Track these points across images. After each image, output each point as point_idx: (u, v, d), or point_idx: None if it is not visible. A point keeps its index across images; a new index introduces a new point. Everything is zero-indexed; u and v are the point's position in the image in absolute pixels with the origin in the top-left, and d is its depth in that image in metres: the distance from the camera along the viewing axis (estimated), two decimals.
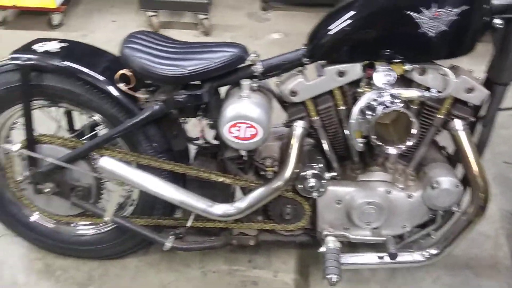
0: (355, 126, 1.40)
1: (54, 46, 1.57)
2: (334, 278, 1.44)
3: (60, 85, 1.55)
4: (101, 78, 1.53)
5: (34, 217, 1.85)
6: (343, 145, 1.58)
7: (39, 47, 1.56)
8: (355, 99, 1.48)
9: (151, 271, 1.94)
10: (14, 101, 1.60)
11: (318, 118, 1.53)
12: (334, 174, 1.56)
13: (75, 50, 1.59)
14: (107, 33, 3.47)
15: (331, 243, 1.56)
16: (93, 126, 1.80)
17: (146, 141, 1.61)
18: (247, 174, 1.68)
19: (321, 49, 1.43)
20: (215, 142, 1.70)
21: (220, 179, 1.61)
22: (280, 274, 1.93)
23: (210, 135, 1.70)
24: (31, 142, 1.60)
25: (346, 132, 1.53)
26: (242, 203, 1.54)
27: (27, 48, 1.56)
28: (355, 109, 1.38)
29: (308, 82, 1.47)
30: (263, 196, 1.53)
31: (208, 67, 1.46)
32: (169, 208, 1.76)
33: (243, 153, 1.63)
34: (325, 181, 1.53)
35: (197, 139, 1.71)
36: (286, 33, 3.50)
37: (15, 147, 1.59)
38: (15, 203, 1.84)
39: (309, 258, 1.98)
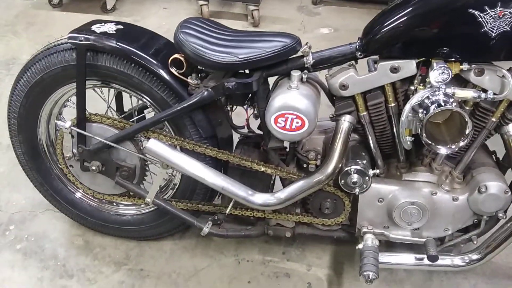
0: (406, 123, 1.38)
1: (111, 28, 1.61)
2: (371, 275, 1.43)
3: (114, 66, 1.58)
4: (155, 61, 1.56)
5: (79, 194, 1.90)
6: (390, 142, 1.57)
7: (96, 28, 1.60)
8: (406, 96, 1.47)
9: (186, 255, 1.97)
10: (68, 79, 1.65)
11: (366, 113, 1.52)
12: (378, 171, 1.55)
13: (130, 33, 1.63)
14: (158, 19, 3.54)
15: (370, 240, 1.54)
16: (141, 109, 1.85)
17: (192, 126, 1.63)
18: (288, 166, 1.68)
19: (376, 44, 1.42)
20: (259, 132, 1.71)
21: (262, 168, 1.62)
22: (313, 268, 1.93)
23: (254, 125, 1.72)
24: (82, 120, 1.65)
25: (394, 129, 1.52)
26: (283, 194, 1.55)
27: (85, 29, 1.61)
28: (407, 107, 1.36)
29: (360, 76, 1.46)
30: (304, 188, 1.53)
31: (260, 56, 1.46)
32: (208, 194, 1.78)
33: (286, 144, 1.63)
34: (368, 177, 1.52)
35: (242, 127, 1.72)
36: (335, 28, 3.49)
37: (67, 124, 1.64)
38: (60, 179, 1.90)
39: (344, 254, 1.97)
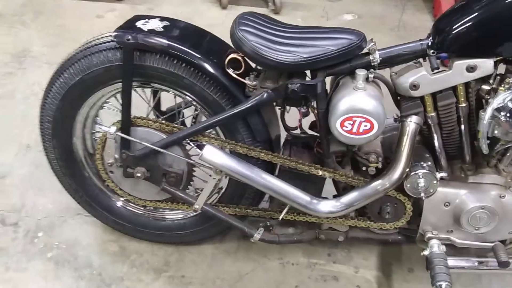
0: (486, 126, 1.31)
1: (157, 25, 1.49)
2: (444, 285, 1.37)
3: (163, 67, 1.47)
4: (210, 62, 1.45)
5: (120, 202, 1.80)
6: (457, 143, 1.50)
7: (142, 25, 1.49)
8: (478, 96, 1.40)
9: (228, 259, 1.90)
10: (110, 80, 1.54)
11: (435, 114, 1.44)
12: (444, 174, 1.48)
13: (179, 30, 1.51)
14: (172, 7, 3.39)
15: (436, 247, 1.49)
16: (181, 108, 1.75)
17: (245, 129, 1.54)
18: (344, 168, 1.60)
19: (452, 42, 1.33)
20: (312, 132, 1.63)
21: (320, 172, 1.54)
22: (361, 270, 1.88)
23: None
24: (128, 125, 1.54)
25: (462, 130, 1.45)
26: (348, 200, 1.48)
27: (129, 26, 1.48)
28: (489, 110, 1.29)
29: (433, 76, 1.38)
30: (370, 194, 1.46)
31: (326, 55, 1.37)
32: (257, 198, 1.70)
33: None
34: (436, 181, 1.45)
35: (295, 128, 1.63)
36: (359, 14, 3.37)
37: (112, 129, 1.52)
38: (97, 185, 1.79)
39: (391, 254, 1.92)
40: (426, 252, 1.50)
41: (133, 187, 1.69)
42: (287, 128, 1.62)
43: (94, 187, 1.79)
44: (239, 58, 1.41)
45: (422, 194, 1.47)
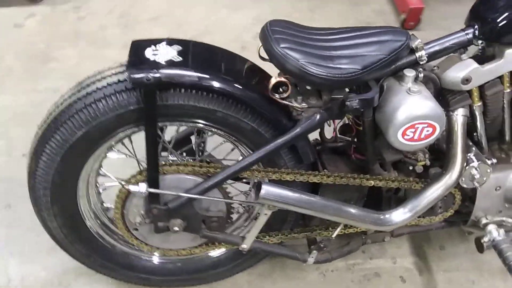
0: None
1: (170, 52, 1.23)
2: None
3: (191, 103, 1.23)
4: (249, 89, 1.24)
5: (144, 257, 1.56)
6: (498, 127, 1.47)
7: (153, 56, 1.21)
8: None
9: (267, 283, 1.76)
10: (122, 127, 1.27)
11: (481, 103, 1.39)
12: (494, 160, 1.46)
13: (198, 54, 1.26)
14: (105, 1, 2.90)
15: (495, 231, 1.48)
16: (185, 137, 1.52)
17: (288, 152, 1.37)
18: (386, 171, 1.51)
19: (502, 30, 1.26)
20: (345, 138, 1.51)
21: (372, 182, 1.43)
22: (398, 260, 1.85)
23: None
24: (156, 176, 1.29)
25: (505, 115, 1.43)
26: (416, 205, 1.39)
27: (139, 60, 1.20)
28: None
29: (484, 67, 1.31)
30: (437, 195, 1.39)
31: (381, 63, 1.23)
32: (299, 219, 1.56)
33: None
34: (489, 170, 1.42)
35: (332, 139, 1.49)
36: None
37: (142, 187, 1.26)
38: (112, 245, 1.53)
39: (420, 237, 1.91)
40: (486, 238, 1.49)
41: (163, 240, 1.46)
42: (325, 141, 1.48)
43: (110, 247, 1.53)
44: (286, 80, 1.21)
45: (477, 184, 1.44)
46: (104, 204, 1.52)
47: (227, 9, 2.92)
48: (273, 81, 1.21)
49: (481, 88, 1.37)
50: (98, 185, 1.46)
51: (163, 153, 1.51)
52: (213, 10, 2.93)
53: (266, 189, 1.25)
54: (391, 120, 1.28)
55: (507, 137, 1.49)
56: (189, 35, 2.71)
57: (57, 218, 1.40)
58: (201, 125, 1.31)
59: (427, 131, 1.30)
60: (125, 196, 1.35)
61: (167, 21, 2.73)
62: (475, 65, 1.31)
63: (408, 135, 1.29)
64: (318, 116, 1.26)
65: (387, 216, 1.38)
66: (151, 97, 1.18)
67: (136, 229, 1.42)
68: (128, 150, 1.41)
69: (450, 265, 1.84)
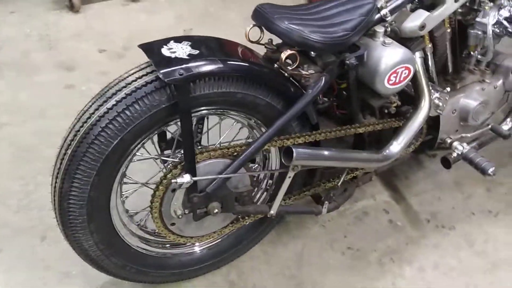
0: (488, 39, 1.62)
1: (186, 48, 1.30)
2: (491, 170, 1.71)
3: (216, 90, 1.32)
4: (262, 66, 1.36)
5: (173, 252, 1.60)
6: (443, 62, 1.79)
7: (172, 53, 1.27)
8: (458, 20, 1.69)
9: (280, 248, 1.91)
10: (152, 128, 1.31)
11: (431, 45, 1.69)
12: (448, 89, 1.77)
13: (208, 46, 1.35)
14: (15, 26, 2.69)
15: (460, 146, 1.81)
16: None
17: (295, 119, 1.52)
18: (365, 118, 1.75)
19: None
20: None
21: (363, 129, 1.65)
22: (377, 197, 2.14)
23: None
24: (193, 165, 1.35)
25: (448, 50, 1.75)
26: (403, 138, 1.64)
27: (163, 59, 1.25)
28: (489, 28, 1.59)
29: (434, 13, 1.59)
30: (417, 127, 1.65)
31: (364, 23, 1.44)
32: (308, 175, 1.72)
33: None
34: (447, 98, 1.74)
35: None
36: None
37: (186, 178, 1.32)
38: (144, 249, 1.55)
39: (385, 174, 2.19)
40: (454, 154, 1.81)
41: (197, 228, 1.53)
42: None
43: (142, 253, 1.55)
44: (295, 52, 1.36)
45: (440, 111, 1.75)
46: (129, 211, 1.53)
47: (146, 13, 2.93)
48: (284, 55, 1.36)
49: (429, 32, 1.66)
50: (122, 194, 1.47)
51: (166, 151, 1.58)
52: (132, 17, 2.91)
53: (297, 151, 1.39)
54: (377, 71, 1.51)
55: (450, 69, 1.82)
56: (120, 44, 2.70)
57: (94, 235, 1.39)
58: (220, 111, 1.41)
59: (405, 73, 1.55)
60: (163, 194, 1.39)
61: (90, 35, 2.67)
62: (426, 13, 1.59)
63: (392, 80, 1.53)
64: (323, 79, 1.44)
65: (387, 151, 1.62)
66: (185, 90, 1.25)
67: (173, 224, 1.47)
68: (147, 151, 1.45)
69: (417, 189, 2.17)
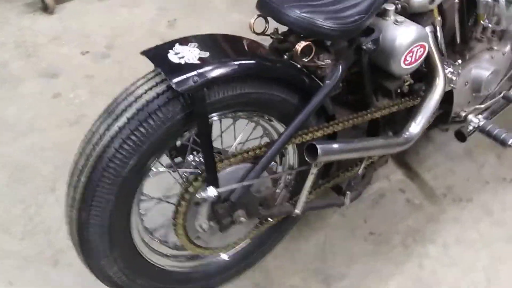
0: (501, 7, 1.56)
1: (194, 51, 1.20)
2: (511, 140, 1.68)
3: (231, 93, 1.23)
4: (276, 63, 1.28)
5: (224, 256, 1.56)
6: (452, 34, 1.72)
7: (181, 59, 1.17)
8: None
9: (302, 243, 1.85)
10: (170, 140, 1.22)
11: (439, 18, 1.61)
12: (459, 61, 1.71)
13: (217, 46, 1.25)
14: None
15: (475, 119, 1.76)
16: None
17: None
18: (379, 101, 1.68)
19: None
20: None
21: (380, 113, 1.58)
22: (391, 177, 2.09)
23: None
24: (215, 175, 1.27)
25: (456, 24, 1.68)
26: (422, 117, 1.57)
27: (173, 67, 1.15)
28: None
29: None
30: (434, 105, 1.59)
31: (375, 3, 1.36)
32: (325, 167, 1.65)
33: None
34: (460, 70, 1.68)
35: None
36: None
37: (211, 192, 1.24)
38: (167, 266, 1.48)
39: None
40: (470, 127, 1.76)
41: (222, 237, 1.45)
42: None
43: (166, 270, 1.47)
44: (310, 43, 1.27)
45: (453, 85, 1.69)
46: (149, 229, 1.45)
47: (125, 7, 2.77)
48: (299, 47, 1.27)
49: (438, 4, 1.59)
50: (140, 212, 1.38)
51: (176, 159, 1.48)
52: (111, 13, 2.75)
53: (321, 148, 1.32)
54: (393, 52, 1.43)
55: (458, 40, 1.76)
56: (102, 44, 2.55)
57: (118, 261, 1.31)
58: (233, 113, 1.32)
59: (420, 51, 1.48)
60: (185, 209, 1.30)
61: (69, 36, 2.51)
62: None
63: (408, 60, 1.46)
64: (340, 67, 1.36)
65: (407, 133, 1.56)
66: (201, 98, 1.15)
67: (198, 237, 1.39)
68: (160, 163, 1.35)
69: (429, 164, 2.13)
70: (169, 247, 1.53)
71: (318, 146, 1.32)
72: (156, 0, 2.82)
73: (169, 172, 1.40)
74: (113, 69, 2.36)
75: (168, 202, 1.39)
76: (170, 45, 1.22)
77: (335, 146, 1.37)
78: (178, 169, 1.35)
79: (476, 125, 1.75)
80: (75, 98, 2.28)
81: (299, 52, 1.27)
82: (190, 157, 1.41)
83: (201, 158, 1.40)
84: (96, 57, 2.46)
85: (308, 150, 1.35)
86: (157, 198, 1.38)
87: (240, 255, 1.65)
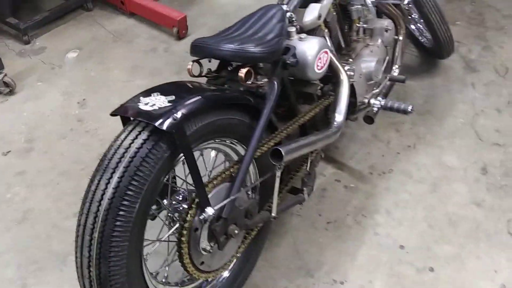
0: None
1: (160, 98, 1.37)
2: (410, 107, 2.09)
3: (200, 124, 1.41)
4: (229, 91, 1.51)
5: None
6: (337, 42, 2.12)
7: (153, 106, 1.33)
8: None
9: (308, 235, 2.04)
10: (161, 177, 1.36)
11: (326, 30, 2.00)
12: (351, 60, 2.10)
13: (175, 90, 1.43)
14: None
15: (377, 101, 2.16)
16: None
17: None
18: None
19: None
20: None
21: (311, 114, 1.88)
22: (325, 172, 2.39)
23: None
24: (207, 198, 1.43)
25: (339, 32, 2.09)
26: (341, 108, 1.92)
27: (151, 114, 1.30)
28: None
29: (323, 3, 1.90)
30: (348, 94, 1.95)
31: (283, 27, 1.68)
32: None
33: None
34: (354, 66, 2.07)
35: None
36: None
37: (209, 211, 1.39)
38: None
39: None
40: (375, 109, 2.15)
41: (220, 257, 1.59)
42: None
43: None
44: (250, 68, 1.53)
45: (353, 80, 2.07)
46: (153, 274, 1.52)
47: (29, 102, 2.75)
48: (242, 73, 1.51)
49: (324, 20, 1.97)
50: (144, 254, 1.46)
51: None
52: (17, 110, 2.68)
53: (284, 150, 1.55)
54: (306, 62, 1.75)
55: (343, 45, 2.17)
56: (21, 140, 2.52)
57: None
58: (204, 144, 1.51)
59: (325, 57, 1.82)
60: (188, 238, 1.43)
61: None
62: (318, 4, 1.89)
63: (319, 65, 1.79)
64: (275, 82, 1.62)
65: (335, 123, 1.90)
66: (183, 132, 1.32)
67: (203, 262, 1.51)
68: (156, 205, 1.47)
69: (349, 153, 2.47)
70: (172, 286, 1.61)
71: (281, 149, 1.56)
72: (56, 88, 2.86)
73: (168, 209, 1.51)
74: (42, 160, 2.36)
75: (167, 241, 1.49)
76: (135, 99, 1.38)
77: (293, 145, 1.63)
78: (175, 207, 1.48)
79: (379, 106, 2.15)
80: (14, 197, 2.23)
81: (243, 77, 1.52)
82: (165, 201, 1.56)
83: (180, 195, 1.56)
84: (20, 153, 2.43)
85: (272, 155, 1.58)
86: (157, 240, 1.47)
87: (231, 275, 1.78)
